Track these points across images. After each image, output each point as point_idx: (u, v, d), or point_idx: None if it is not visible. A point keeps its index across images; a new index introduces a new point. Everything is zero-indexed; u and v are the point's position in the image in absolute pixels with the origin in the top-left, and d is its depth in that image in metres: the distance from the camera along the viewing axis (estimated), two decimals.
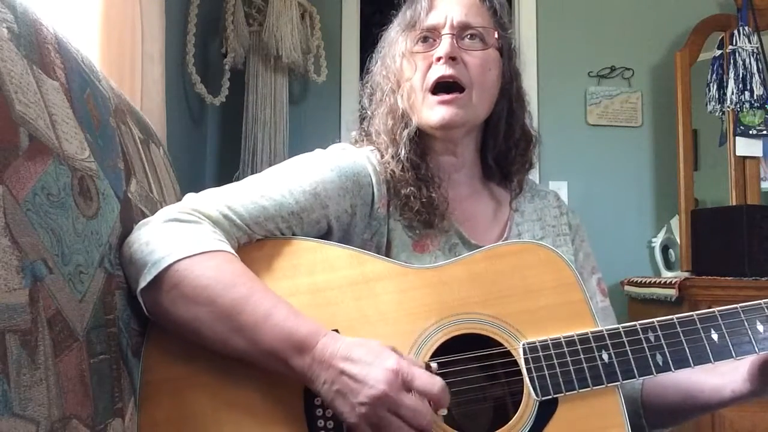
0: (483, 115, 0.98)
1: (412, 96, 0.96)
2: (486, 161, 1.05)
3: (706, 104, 2.48)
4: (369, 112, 1.04)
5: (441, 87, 0.94)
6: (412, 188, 0.93)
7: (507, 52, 1.01)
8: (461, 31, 0.95)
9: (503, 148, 1.03)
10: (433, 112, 0.94)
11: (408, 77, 0.97)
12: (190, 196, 0.85)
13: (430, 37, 0.96)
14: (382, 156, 0.96)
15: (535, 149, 1.06)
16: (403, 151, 0.94)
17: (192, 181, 2.18)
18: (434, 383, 0.70)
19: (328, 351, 0.71)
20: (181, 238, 0.75)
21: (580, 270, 1.01)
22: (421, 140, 0.97)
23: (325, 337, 0.72)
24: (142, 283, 0.72)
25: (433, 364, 0.76)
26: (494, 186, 1.06)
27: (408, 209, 0.93)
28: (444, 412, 0.73)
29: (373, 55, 1.07)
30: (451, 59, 0.93)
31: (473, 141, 1.02)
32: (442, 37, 0.95)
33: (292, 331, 0.72)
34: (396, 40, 1.00)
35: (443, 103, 0.93)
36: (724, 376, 0.87)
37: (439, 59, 0.93)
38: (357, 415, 0.68)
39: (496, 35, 0.98)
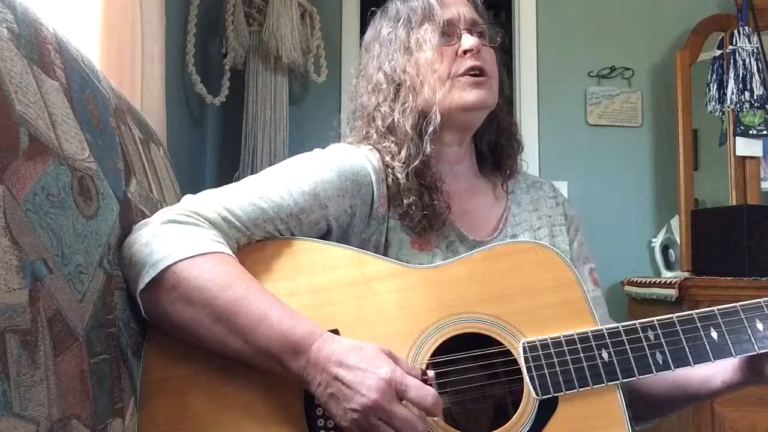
0: (497, 102, 1.01)
1: (441, 88, 0.95)
2: (479, 149, 1.07)
3: (706, 104, 2.47)
4: (365, 113, 1.01)
5: (472, 75, 0.95)
6: (414, 197, 0.92)
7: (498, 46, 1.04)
8: (473, 27, 0.99)
9: (494, 134, 1.06)
10: (468, 92, 0.95)
11: (436, 68, 0.96)
12: (188, 198, 0.85)
13: (447, 32, 0.98)
14: (391, 159, 0.94)
15: (519, 133, 1.10)
16: (428, 148, 0.93)
17: (192, 181, 2.18)
18: (426, 395, 0.70)
19: (323, 354, 0.71)
20: (180, 239, 0.75)
21: (573, 259, 1.02)
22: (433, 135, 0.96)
23: (321, 339, 0.72)
24: (141, 284, 0.72)
25: (430, 373, 0.76)
26: (489, 175, 1.07)
27: (409, 219, 0.93)
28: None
29: (367, 55, 1.05)
30: (478, 52, 0.96)
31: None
32: (462, 32, 0.97)
33: (287, 332, 0.72)
34: (404, 34, 0.99)
35: (477, 85, 0.95)
36: (713, 366, 0.87)
37: (465, 52, 0.95)
38: (349, 420, 0.69)
39: (498, 35, 1.02)
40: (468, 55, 0.95)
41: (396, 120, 0.96)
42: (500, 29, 1.03)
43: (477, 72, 0.95)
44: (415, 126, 0.95)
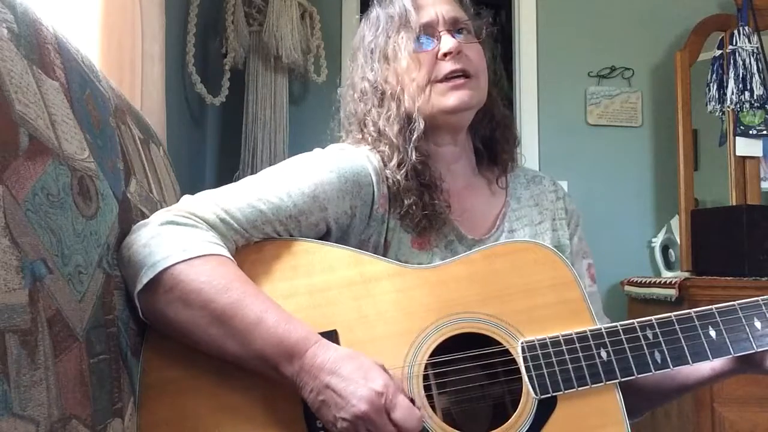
0: (485, 98, 1.00)
1: (421, 96, 0.95)
2: (475, 145, 1.06)
3: (706, 104, 2.47)
4: (356, 120, 1.01)
5: (451, 79, 0.94)
6: (414, 198, 0.92)
7: (485, 39, 1.03)
8: (453, 25, 0.97)
9: (488, 129, 1.05)
10: (447, 97, 0.94)
11: (414, 77, 0.95)
12: (186, 199, 0.85)
13: (426, 34, 0.96)
14: (385, 164, 0.94)
15: (514, 125, 1.09)
16: (414, 156, 0.93)
17: (192, 181, 2.18)
18: (413, 418, 0.70)
19: (317, 360, 0.71)
20: (178, 241, 0.75)
21: (572, 254, 1.02)
22: (426, 138, 0.96)
23: (316, 345, 0.73)
24: (139, 285, 0.73)
25: (417, 401, 0.76)
26: (486, 171, 1.06)
27: (409, 220, 0.93)
28: None
29: (352, 64, 1.05)
30: (458, 53, 0.94)
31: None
32: (441, 34, 0.95)
33: (282, 337, 0.72)
34: (383, 42, 0.99)
35: (456, 87, 0.94)
36: None
37: (445, 55, 0.94)
38: (339, 428, 0.70)
39: (484, 27, 1.00)
40: (448, 57, 0.94)
41: (381, 127, 0.96)
42: (487, 18, 1.01)
43: (458, 74, 0.94)
44: (401, 132, 0.95)
